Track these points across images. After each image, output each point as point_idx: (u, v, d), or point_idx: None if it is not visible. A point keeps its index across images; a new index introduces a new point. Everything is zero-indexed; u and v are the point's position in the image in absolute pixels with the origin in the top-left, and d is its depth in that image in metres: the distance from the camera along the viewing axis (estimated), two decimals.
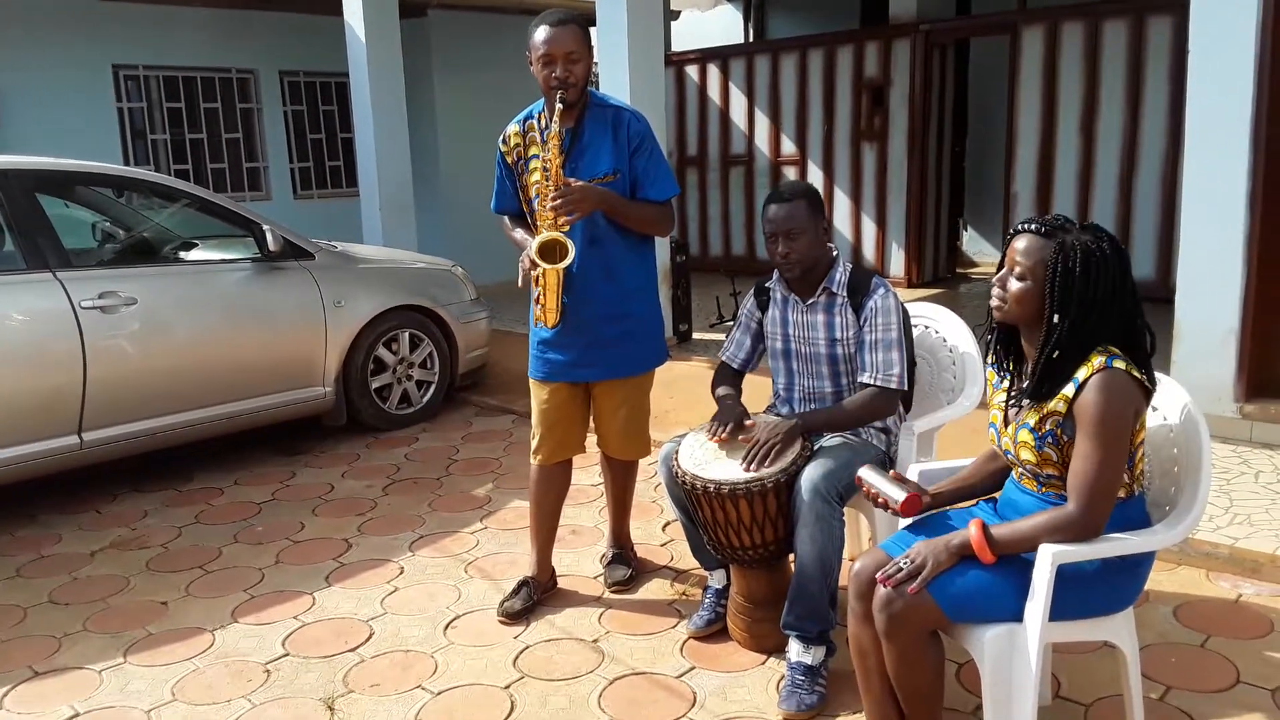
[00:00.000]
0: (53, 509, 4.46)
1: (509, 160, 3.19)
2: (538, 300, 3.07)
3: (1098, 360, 2.05)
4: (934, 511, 2.38)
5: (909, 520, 2.40)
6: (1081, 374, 2.06)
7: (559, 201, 2.88)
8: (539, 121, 3.10)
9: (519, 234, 3.23)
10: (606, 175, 3.04)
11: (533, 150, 3.10)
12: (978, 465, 2.45)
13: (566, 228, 2.93)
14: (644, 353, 3.26)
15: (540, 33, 2.95)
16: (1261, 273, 4.18)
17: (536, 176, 3.05)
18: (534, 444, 3.30)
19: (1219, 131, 4.13)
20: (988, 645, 2.12)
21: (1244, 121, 4.07)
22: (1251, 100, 4.05)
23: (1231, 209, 4.14)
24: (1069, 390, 2.07)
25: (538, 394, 3.27)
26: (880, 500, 2.34)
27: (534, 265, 2.95)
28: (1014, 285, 2.13)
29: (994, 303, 2.19)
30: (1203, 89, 4.16)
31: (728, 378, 3.16)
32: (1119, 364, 2.05)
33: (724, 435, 2.88)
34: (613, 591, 3.42)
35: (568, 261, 2.91)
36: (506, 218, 3.32)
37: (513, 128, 3.18)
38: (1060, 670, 2.72)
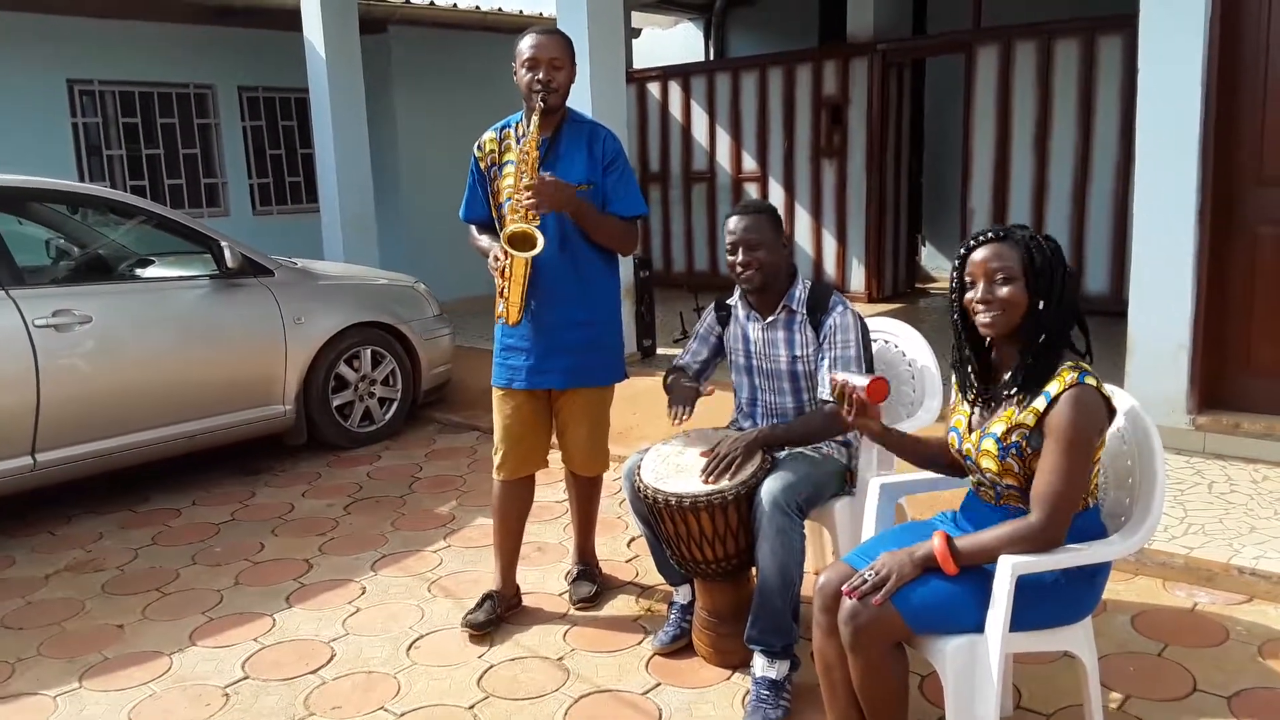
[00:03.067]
0: (5, 531, 4.36)
1: (482, 166, 3.21)
2: (501, 294, 3.05)
3: (1070, 376, 2.08)
4: (900, 523, 2.40)
5: (872, 527, 2.41)
6: (1053, 388, 2.09)
7: (530, 187, 2.90)
8: (516, 130, 3.12)
9: (484, 240, 3.24)
10: (580, 184, 3.07)
11: (507, 156, 3.12)
12: (939, 440, 2.48)
13: (536, 221, 2.94)
14: (605, 364, 3.27)
15: (527, 39, 3.05)
16: (1212, 285, 4.27)
17: (509, 181, 3.06)
18: (496, 460, 3.29)
19: (1168, 147, 4.21)
20: (950, 656, 2.14)
21: (1193, 137, 4.15)
22: (1200, 116, 4.14)
23: (1181, 223, 4.22)
24: (1040, 404, 2.10)
25: (501, 407, 3.27)
26: (851, 394, 2.37)
27: (505, 254, 2.95)
28: (1003, 291, 2.14)
29: (985, 320, 2.17)
30: (1152, 105, 4.25)
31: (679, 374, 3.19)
32: (1090, 380, 2.09)
33: (686, 416, 2.92)
34: (578, 609, 3.41)
35: (537, 250, 2.92)
36: (474, 226, 3.33)
37: (489, 135, 3.21)
38: (1021, 681, 2.75)
